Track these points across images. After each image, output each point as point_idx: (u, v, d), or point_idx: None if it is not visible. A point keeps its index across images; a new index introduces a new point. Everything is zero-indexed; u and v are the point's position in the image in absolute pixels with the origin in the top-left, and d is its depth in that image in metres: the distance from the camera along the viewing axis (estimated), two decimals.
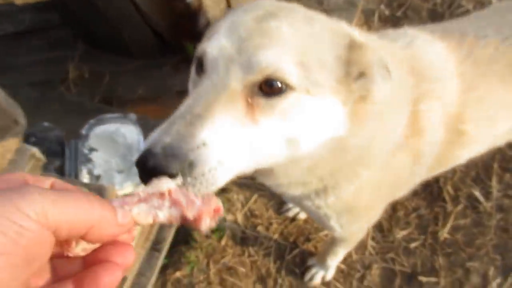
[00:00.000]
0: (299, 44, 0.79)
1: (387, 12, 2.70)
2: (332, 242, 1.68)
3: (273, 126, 0.79)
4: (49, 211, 0.42)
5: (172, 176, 0.64)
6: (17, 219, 0.40)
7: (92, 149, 1.61)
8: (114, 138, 1.62)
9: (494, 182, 2.09)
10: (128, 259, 0.51)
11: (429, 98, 1.14)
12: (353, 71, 0.84)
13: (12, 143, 0.93)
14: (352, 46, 0.84)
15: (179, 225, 1.83)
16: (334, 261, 1.84)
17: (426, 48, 1.19)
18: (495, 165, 2.13)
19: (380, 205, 1.35)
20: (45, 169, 1.55)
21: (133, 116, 1.65)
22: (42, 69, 2.50)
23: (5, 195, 0.41)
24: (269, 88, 0.77)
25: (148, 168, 0.65)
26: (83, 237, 0.47)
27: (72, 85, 2.43)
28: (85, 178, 1.52)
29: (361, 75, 0.85)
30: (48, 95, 2.21)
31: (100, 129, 1.63)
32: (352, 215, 1.25)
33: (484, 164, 2.14)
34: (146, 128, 1.66)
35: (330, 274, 1.93)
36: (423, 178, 1.41)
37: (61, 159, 1.57)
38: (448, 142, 1.23)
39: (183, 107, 0.74)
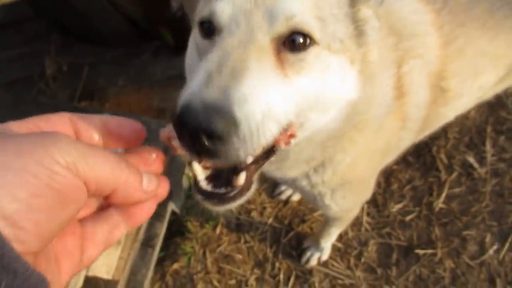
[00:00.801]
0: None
1: None
2: (326, 223, 1.67)
3: (305, 83, 0.74)
4: (79, 164, 0.42)
5: (215, 136, 0.58)
6: (49, 165, 0.40)
7: None
8: None
9: (488, 147, 2.05)
10: (164, 191, 0.54)
11: (410, 57, 1.09)
12: (355, 28, 0.82)
13: None
14: (352, 4, 0.82)
15: (173, 215, 1.78)
16: (328, 243, 1.84)
17: (398, 4, 1.12)
18: (489, 129, 2.08)
19: (372, 176, 1.33)
20: None
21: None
22: (19, 65, 2.42)
23: (38, 140, 0.42)
24: (293, 44, 0.72)
25: (189, 127, 0.58)
26: (106, 198, 0.48)
27: (51, 80, 2.36)
28: None
29: (361, 32, 0.83)
30: (23, 98, 2.15)
31: None
32: (346, 190, 1.22)
33: (477, 129, 2.09)
34: None
35: (325, 254, 1.93)
36: (412, 142, 1.38)
37: None
38: (433, 101, 1.19)
39: (211, 63, 0.66)
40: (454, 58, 1.17)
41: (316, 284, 1.93)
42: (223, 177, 0.73)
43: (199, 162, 0.69)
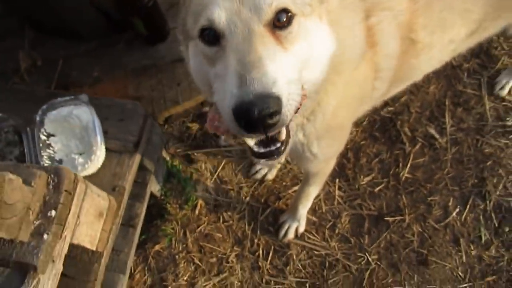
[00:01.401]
0: None
1: None
2: (305, 183, 1.77)
3: (299, 49, 0.93)
4: None
5: (274, 113, 0.80)
6: None
7: (50, 135, 1.61)
8: (68, 121, 1.61)
9: (447, 118, 2.19)
10: None
11: (379, 9, 1.21)
12: None
13: None
14: None
15: (153, 199, 1.84)
16: (305, 207, 1.94)
17: None
18: (447, 101, 2.23)
19: (349, 122, 1.47)
20: (4, 159, 1.56)
21: (84, 96, 1.64)
22: None
23: None
24: (280, 22, 0.91)
25: (256, 116, 0.79)
26: None
27: (26, 75, 2.38)
28: (46, 164, 1.54)
29: None
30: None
31: (53, 114, 1.62)
32: (330, 137, 1.35)
33: (437, 102, 2.24)
34: (99, 108, 1.67)
35: (302, 226, 2.02)
36: (386, 95, 1.52)
37: (20, 147, 1.57)
38: (404, 52, 1.30)
39: (235, 65, 0.85)
40: (422, 12, 1.29)
41: (294, 257, 2.01)
42: (267, 140, 0.96)
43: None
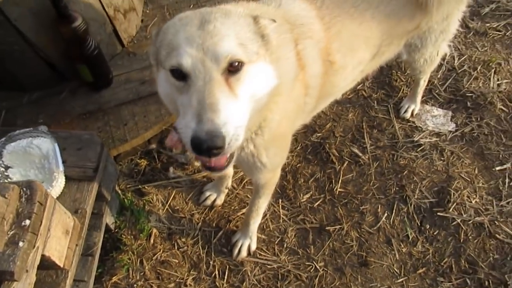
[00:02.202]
0: (233, 32, 1.15)
1: None
2: (255, 196, 1.94)
3: (246, 91, 1.16)
4: None
5: (219, 147, 1.03)
6: None
7: (7, 167, 1.66)
8: (28, 152, 1.68)
9: (366, 139, 2.56)
10: None
11: (303, 38, 1.51)
12: (262, 38, 1.23)
13: None
14: (255, 21, 1.23)
15: (106, 233, 1.93)
16: (256, 223, 2.10)
17: (290, 5, 1.60)
18: (364, 125, 2.61)
19: (290, 133, 1.73)
20: None
21: (44, 127, 1.73)
22: None
23: None
24: (233, 67, 1.12)
25: (204, 149, 1.03)
26: None
27: None
28: None
29: (264, 36, 1.24)
30: None
31: (12, 146, 1.68)
32: (276, 146, 1.58)
33: (356, 127, 2.61)
34: (57, 140, 1.76)
35: (254, 243, 2.17)
36: (315, 109, 1.83)
37: None
38: (325, 72, 1.60)
39: (195, 104, 1.07)
40: (335, 39, 1.62)
41: (249, 273, 2.14)
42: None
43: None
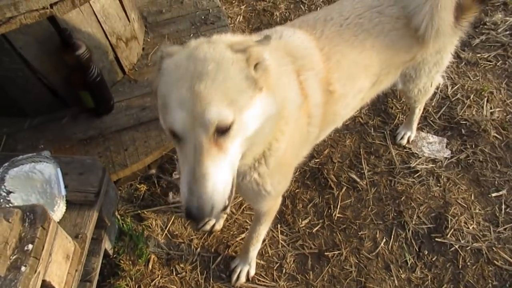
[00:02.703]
0: (223, 90, 1.11)
1: None
2: (255, 223, 1.94)
3: (236, 143, 1.17)
4: None
5: (207, 215, 1.10)
6: None
7: (9, 192, 1.67)
8: (30, 176, 1.69)
9: (364, 165, 2.59)
10: None
11: (304, 70, 1.55)
12: (255, 72, 1.21)
13: None
14: (248, 59, 1.20)
15: (104, 259, 1.93)
16: (256, 249, 2.10)
17: (291, 37, 1.64)
18: (362, 151, 2.65)
19: (295, 162, 1.75)
20: None
21: (46, 152, 1.75)
22: None
23: None
24: (221, 129, 1.12)
25: (195, 217, 1.10)
26: None
27: None
28: None
29: (259, 66, 1.22)
30: None
31: (15, 171, 1.69)
32: (281, 175, 1.59)
33: (354, 153, 2.64)
34: (59, 165, 1.78)
35: (253, 269, 2.17)
36: (318, 138, 1.85)
37: None
38: (326, 101, 1.63)
39: (187, 168, 1.11)
40: (335, 69, 1.66)
41: None
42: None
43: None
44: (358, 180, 2.53)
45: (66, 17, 2.28)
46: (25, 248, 1.29)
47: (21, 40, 2.21)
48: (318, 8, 3.54)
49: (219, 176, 1.12)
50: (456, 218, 2.39)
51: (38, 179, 1.71)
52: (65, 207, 1.71)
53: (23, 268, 1.25)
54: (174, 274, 2.16)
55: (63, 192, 1.69)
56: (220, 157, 1.13)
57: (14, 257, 1.27)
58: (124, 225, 2.20)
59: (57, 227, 1.45)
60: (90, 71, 2.36)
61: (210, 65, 1.13)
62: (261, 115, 1.22)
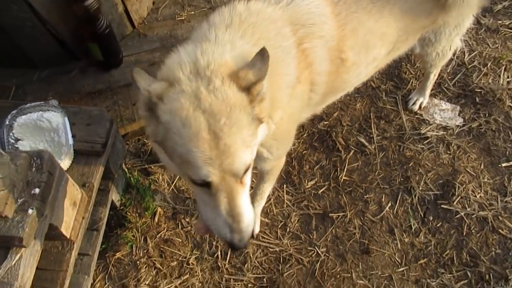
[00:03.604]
0: (241, 140, 1.15)
1: None
2: (260, 181, 1.95)
3: (250, 173, 1.27)
4: None
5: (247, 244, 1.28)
6: None
7: (17, 139, 1.67)
8: (38, 125, 1.69)
9: (373, 129, 2.55)
10: None
11: (311, 38, 1.49)
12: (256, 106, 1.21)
13: None
14: (252, 101, 1.18)
15: (111, 210, 1.95)
16: (260, 206, 2.11)
17: (304, 1, 1.55)
18: (372, 116, 2.61)
19: (293, 129, 1.71)
20: None
21: (54, 101, 1.75)
22: None
23: None
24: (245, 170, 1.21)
25: (240, 248, 1.25)
26: None
27: None
28: None
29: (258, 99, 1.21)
30: None
31: (23, 118, 1.69)
32: (278, 142, 1.58)
33: (363, 117, 2.61)
34: (67, 114, 1.77)
35: (257, 226, 2.19)
36: (324, 103, 1.81)
37: None
38: (336, 69, 1.59)
39: (225, 211, 1.21)
40: (349, 36, 1.60)
41: (251, 255, 2.15)
42: None
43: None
44: (366, 144, 2.51)
45: None
46: (32, 191, 1.31)
47: None
48: None
49: (248, 209, 1.25)
50: (464, 186, 2.37)
51: (46, 128, 1.71)
52: (72, 156, 1.71)
53: (30, 211, 1.27)
54: (180, 228, 2.19)
55: (71, 141, 1.69)
56: (244, 191, 1.24)
57: (21, 200, 1.29)
58: (131, 178, 2.21)
59: (64, 173, 1.46)
60: (99, 22, 2.31)
61: (222, 120, 1.12)
62: (262, 137, 1.32)
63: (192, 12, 2.92)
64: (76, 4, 2.22)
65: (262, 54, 1.16)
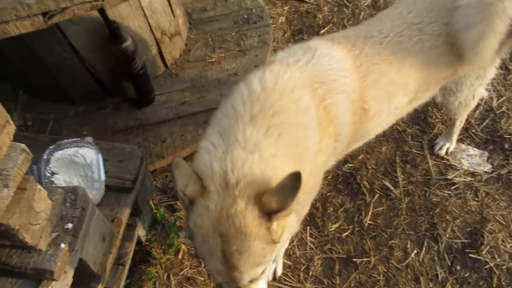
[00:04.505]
0: (250, 263, 1.24)
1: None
2: None
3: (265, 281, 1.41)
4: None
5: None
6: None
7: (53, 173, 1.75)
8: (73, 160, 1.77)
9: (399, 173, 2.54)
10: None
11: (333, 93, 1.53)
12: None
13: (6, 140, 1.12)
14: (271, 232, 1.25)
15: (137, 245, 1.99)
16: (284, 247, 2.11)
17: (325, 57, 1.60)
18: (398, 160, 2.60)
19: (320, 177, 1.72)
20: None
21: (89, 138, 1.83)
22: None
23: None
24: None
25: None
26: None
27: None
28: None
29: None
30: None
31: (59, 153, 1.78)
32: (306, 194, 1.57)
33: (389, 160, 2.60)
34: (100, 151, 1.86)
35: (280, 268, 2.17)
36: (348, 149, 1.84)
37: None
38: (359, 119, 1.62)
39: None
40: (371, 87, 1.64)
41: None
42: None
43: None
44: (391, 188, 2.49)
45: (114, 10, 2.37)
46: (65, 226, 1.36)
47: (72, 29, 2.31)
48: (362, 12, 3.50)
49: None
50: (493, 235, 2.31)
51: (80, 163, 1.79)
52: (103, 192, 1.77)
53: (62, 245, 1.32)
54: (202, 266, 2.20)
55: (103, 177, 1.75)
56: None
57: (55, 234, 1.34)
58: (158, 214, 2.26)
59: (95, 209, 1.52)
60: (134, 63, 2.44)
61: (234, 247, 1.21)
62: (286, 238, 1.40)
63: (222, 55, 3.03)
64: (114, 46, 2.36)
65: (294, 181, 1.17)
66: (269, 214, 1.21)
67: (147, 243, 2.18)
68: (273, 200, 1.19)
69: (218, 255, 1.23)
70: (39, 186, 1.26)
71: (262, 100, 1.39)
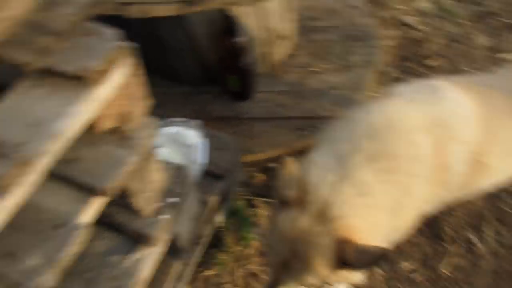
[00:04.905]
0: (297, 282, 1.33)
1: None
2: None
3: None
4: None
5: None
6: None
7: (157, 147, 1.87)
8: (178, 139, 1.87)
9: (488, 230, 2.38)
10: None
11: (454, 143, 1.48)
12: None
13: (144, 111, 1.23)
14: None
15: (214, 229, 2.04)
16: None
17: (452, 99, 1.54)
18: (490, 215, 2.44)
19: (415, 221, 1.66)
20: None
21: (197, 121, 1.93)
22: None
23: None
24: None
25: None
26: None
27: None
28: None
29: None
30: None
31: (167, 130, 1.89)
32: (398, 232, 1.58)
33: (480, 215, 2.45)
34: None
35: None
36: (452, 197, 1.75)
37: None
38: (472, 172, 1.54)
39: None
40: (496, 143, 1.56)
41: None
42: None
43: None
44: (476, 243, 2.35)
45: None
46: (170, 199, 1.44)
47: (198, 18, 2.43)
48: (476, 51, 3.33)
49: None
50: None
51: (183, 143, 1.88)
52: (200, 175, 1.85)
53: (165, 216, 1.40)
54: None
55: (204, 160, 1.83)
56: None
57: (160, 204, 1.43)
58: (237, 206, 2.31)
59: (192, 189, 1.60)
60: (243, 58, 2.52)
61: (295, 267, 1.29)
62: None
63: (325, 66, 3.03)
64: (227, 39, 2.45)
65: (377, 256, 1.19)
66: (339, 261, 1.21)
67: (222, 230, 2.25)
68: (352, 254, 1.18)
69: (279, 260, 1.31)
70: (157, 158, 1.35)
71: (383, 138, 1.36)
